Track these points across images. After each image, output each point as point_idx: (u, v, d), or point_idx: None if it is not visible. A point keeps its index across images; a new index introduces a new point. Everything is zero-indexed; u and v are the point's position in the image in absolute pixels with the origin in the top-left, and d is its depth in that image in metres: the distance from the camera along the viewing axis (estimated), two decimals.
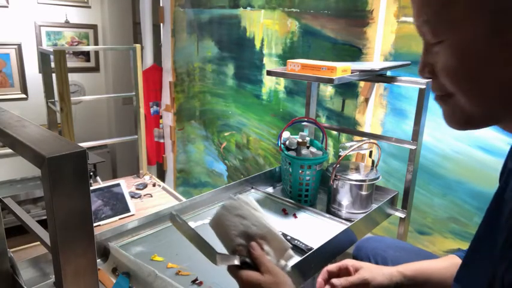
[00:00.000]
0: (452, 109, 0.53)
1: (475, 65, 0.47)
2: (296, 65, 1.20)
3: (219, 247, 0.77)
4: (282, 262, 0.83)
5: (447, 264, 0.81)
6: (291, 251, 0.84)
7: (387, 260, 1.02)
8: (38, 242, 0.62)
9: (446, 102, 0.53)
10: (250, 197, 0.85)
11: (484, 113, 0.50)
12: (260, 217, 0.80)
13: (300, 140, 1.37)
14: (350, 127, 1.66)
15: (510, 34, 0.43)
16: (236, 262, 0.72)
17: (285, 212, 1.30)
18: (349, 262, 0.84)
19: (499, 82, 0.46)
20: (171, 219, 0.76)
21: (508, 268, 0.45)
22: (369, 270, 0.81)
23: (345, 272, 0.84)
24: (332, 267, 0.84)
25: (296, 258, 0.97)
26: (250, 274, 0.70)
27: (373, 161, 1.36)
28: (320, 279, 0.84)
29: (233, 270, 0.73)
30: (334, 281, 0.80)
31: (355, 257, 1.09)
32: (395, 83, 1.31)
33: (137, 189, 2.26)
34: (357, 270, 0.83)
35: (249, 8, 2.09)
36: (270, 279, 0.69)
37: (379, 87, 1.56)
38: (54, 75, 1.90)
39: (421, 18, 0.49)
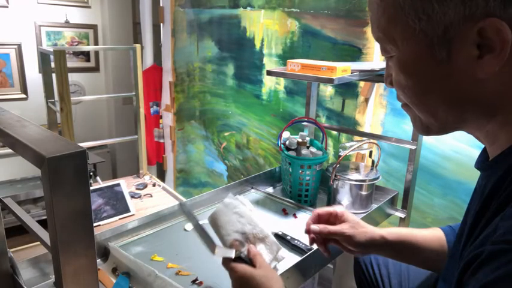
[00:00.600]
0: (413, 117, 0.57)
1: (418, 81, 0.51)
2: (296, 65, 1.20)
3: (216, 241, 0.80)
4: (274, 263, 0.86)
5: (429, 237, 0.82)
6: (281, 253, 0.86)
7: (387, 259, 1.02)
8: (38, 242, 0.62)
9: (409, 111, 0.57)
10: (247, 199, 0.87)
11: (437, 123, 0.54)
12: (255, 218, 0.84)
13: (300, 140, 1.37)
14: (350, 127, 1.66)
15: (443, 52, 0.47)
16: (232, 255, 0.77)
17: (285, 212, 1.30)
18: (339, 210, 0.85)
19: (441, 96, 0.50)
20: (180, 207, 0.80)
21: (463, 268, 0.45)
22: (352, 227, 0.82)
23: (334, 219, 0.85)
24: (323, 211, 0.86)
25: (296, 258, 0.97)
26: (244, 267, 0.75)
27: (373, 161, 1.36)
28: (310, 220, 0.86)
29: (227, 262, 0.77)
30: (313, 227, 0.82)
31: (356, 257, 1.09)
32: None
33: (137, 189, 2.26)
34: (343, 221, 0.84)
35: (249, 8, 2.09)
36: (262, 272, 0.73)
37: (379, 87, 1.56)
38: (54, 75, 1.90)
39: (375, 35, 0.54)
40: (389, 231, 0.83)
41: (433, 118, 0.53)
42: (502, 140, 0.50)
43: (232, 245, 0.79)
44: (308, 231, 0.85)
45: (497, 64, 0.44)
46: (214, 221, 0.83)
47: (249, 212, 0.84)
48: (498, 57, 0.44)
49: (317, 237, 0.84)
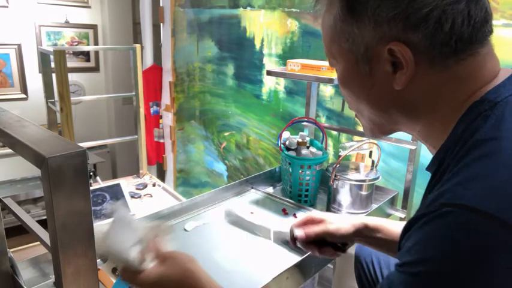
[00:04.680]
0: (362, 123, 0.66)
1: (351, 91, 0.61)
2: (296, 65, 1.20)
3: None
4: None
5: (400, 229, 0.86)
6: (163, 225, 0.76)
7: (389, 259, 1.02)
8: (38, 242, 0.62)
9: (358, 118, 0.67)
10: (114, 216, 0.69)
11: (376, 126, 0.63)
12: (127, 234, 0.67)
13: (300, 140, 1.37)
14: (350, 127, 1.66)
15: (366, 67, 0.56)
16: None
17: (285, 212, 1.30)
18: (314, 214, 0.90)
19: (370, 103, 0.59)
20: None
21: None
22: (332, 223, 0.86)
23: (311, 223, 0.89)
24: (298, 223, 0.90)
25: (296, 258, 0.97)
26: (133, 277, 0.66)
27: (373, 161, 1.36)
28: (293, 228, 0.90)
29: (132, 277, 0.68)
30: (298, 232, 0.87)
31: (358, 256, 1.10)
32: None
33: (137, 189, 2.26)
34: (321, 221, 0.88)
35: (249, 8, 2.09)
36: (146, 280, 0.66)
37: None
38: (54, 75, 1.90)
39: (325, 50, 0.64)
40: (368, 218, 0.88)
41: (371, 122, 0.63)
42: (434, 137, 0.58)
43: (141, 260, 0.67)
44: (293, 238, 0.89)
45: (407, 78, 0.53)
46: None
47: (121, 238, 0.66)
48: (406, 73, 0.53)
49: (304, 243, 0.87)
